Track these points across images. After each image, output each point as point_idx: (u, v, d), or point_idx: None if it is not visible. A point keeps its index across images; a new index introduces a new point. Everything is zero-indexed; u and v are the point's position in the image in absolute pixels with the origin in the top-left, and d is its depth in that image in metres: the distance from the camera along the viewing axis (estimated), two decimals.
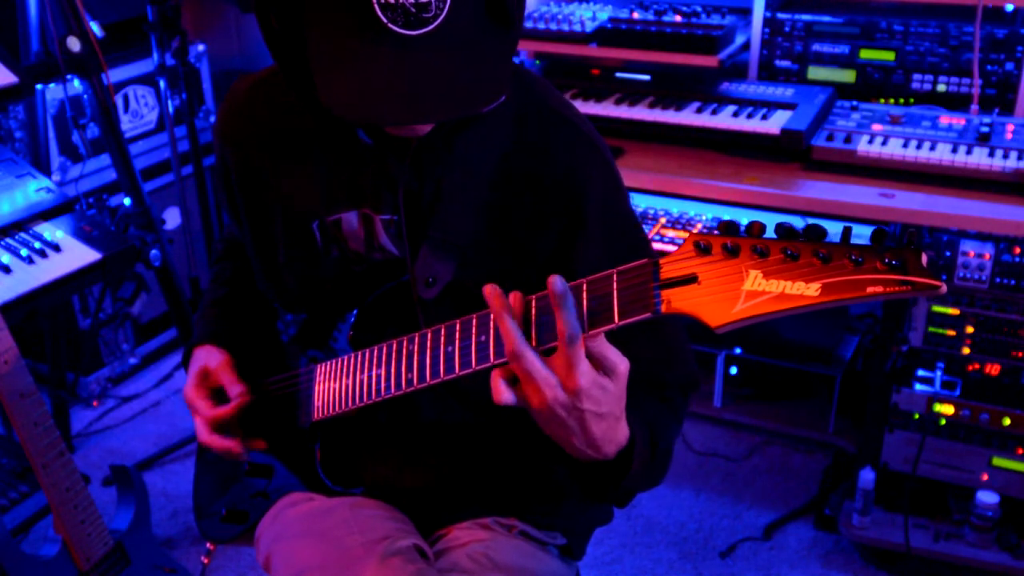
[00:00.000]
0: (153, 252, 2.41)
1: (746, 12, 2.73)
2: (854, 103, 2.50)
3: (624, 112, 2.54)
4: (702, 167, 2.39)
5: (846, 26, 2.60)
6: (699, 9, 2.69)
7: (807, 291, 0.87)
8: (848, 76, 2.63)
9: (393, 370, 1.23)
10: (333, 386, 1.35)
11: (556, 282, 0.99)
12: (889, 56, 2.57)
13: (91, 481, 2.79)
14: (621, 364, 1.05)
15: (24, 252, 2.12)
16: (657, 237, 2.61)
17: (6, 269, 2.07)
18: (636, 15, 2.70)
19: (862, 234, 0.93)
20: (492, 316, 1.07)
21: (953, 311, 2.33)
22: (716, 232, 0.93)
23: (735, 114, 2.46)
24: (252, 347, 1.50)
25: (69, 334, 3.10)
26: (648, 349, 1.33)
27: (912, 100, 2.58)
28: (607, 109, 2.55)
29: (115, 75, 3.06)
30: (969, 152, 2.22)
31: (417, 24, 1.06)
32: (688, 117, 2.47)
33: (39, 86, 2.75)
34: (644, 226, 2.62)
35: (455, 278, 1.30)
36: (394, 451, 1.45)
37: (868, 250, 0.86)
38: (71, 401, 3.18)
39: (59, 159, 2.94)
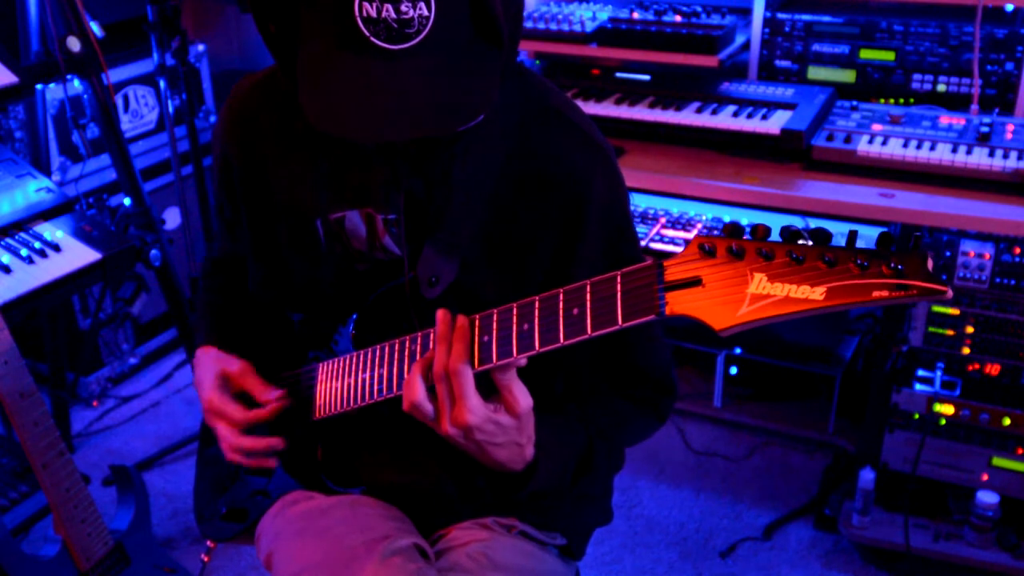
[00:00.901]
0: (153, 252, 2.40)
1: (746, 12, 2.73)
2: (854, 103, 2.50)
3: (624, 112, 2.54)
4: (702, 167, 2.39)
5: (846, 26, 2.60)
6: (699, 9, 2.69)
7: (812, 295, 0.87)
8: (848, 76, 2.63)
9: (395, 370, 1.23)
10: (334, 385, 1.35)
11: (438, 315, 1.09)
12: (889, 56, 2.57)
13: (91, 481, 2.79)
14: (523, 403, 1.12)
15: (24, 252, 2.12)
16: (657, 237, 2.61)
17: (6, 269, 2.06)
18: (636, 15, 2.70)
19: (865, 235, 0.93)
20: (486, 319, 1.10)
21: (953, 311, 2.33)
22: (721, 234, 0.93)
23: (735, 114, 2.46)
24: (257, 349, 1.50)
25: (69, 334, 3.10)
26: (633, 350, 1.37)
27: (912, 100, 2.58)
28: (607, 109, 2.55)
29: (115, 75, 3.06)
30: (969, 152, 2.22)
31: (399, 39, 1.06)
32: (688, 117, 2.47)
33: (39, 86, 2.74)
34: (644, 226, 2.65)
35: (458, 278, 1.30)
36: (394, 451, 1.45)
37: (874, 254, 0.85)
38: (71, 401, 3.18)
39: (59, 159, 2.94)
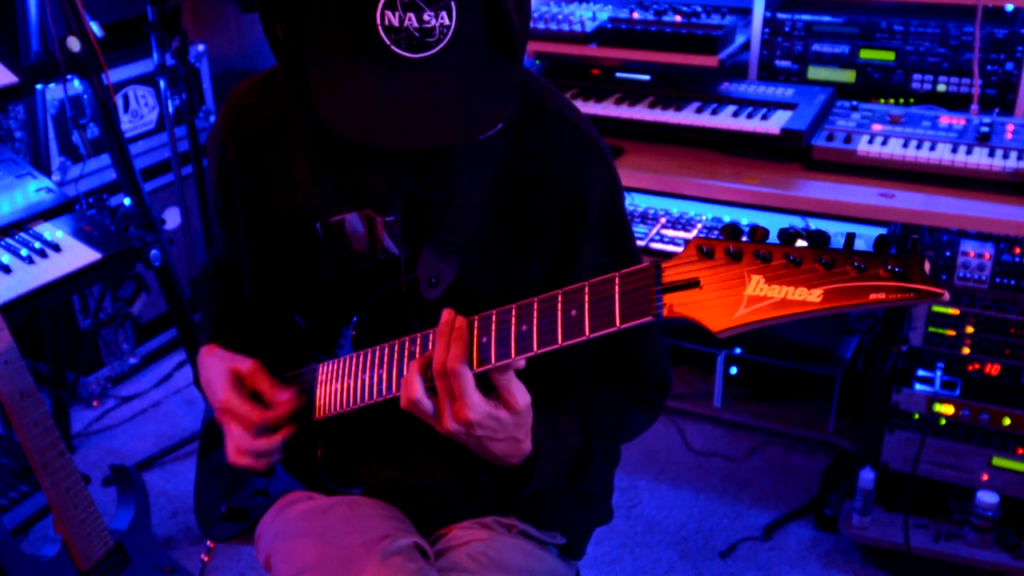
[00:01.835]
0: (153, 252, 2.40)
1: (746, 12, 2.73)
2: (854, 103, 2.50)
3: (624, 112, 2.54)
4: (702, 167, 2.39)
5: (846, 26, 2.60)
6: (699, 9, 2.69)
7: (809, 297, 0.87)
8: (848, 76, 2.63)
9: (395, 370, 1.23)
10: (334, 386, 1.35)
11: (444, 314, 1.11)
12: (889, 56, 2.57)
13: (91, 481, 2.79)
14: (522, 401, 1.13)
15: (24, 252, 2.12)
16: (657, 237, 2.61)
17: (6, 269, 2.07)
18: (636, 15, 2.70)
19: (865, 235, 0.93)
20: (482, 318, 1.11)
21: (953, 311, 2.33)
22: (719, 236, 0.93)
23: (735, 114, 2.46)
24: (260, 350, 1.50)
25: (69, 334, 3.10)
26: (630, 348, 1.38)
27: (912, 100, 2.58)
28: (607, 109, 2.55)
29: (115, 75, 3.06)
30: (969, 152, 2.22)
31: (420, 48, 1.07)
32: (688, 117, 2.47)
33: (39, 86, 2.74)
34: (645, 226, 2.65)
35: (458, 278, 1.30)
36: (394, 451, 1.45)
37: (871, 257, 0.86)
38: (71, 401, 3.18)
39: (59, 159, 2.94)
